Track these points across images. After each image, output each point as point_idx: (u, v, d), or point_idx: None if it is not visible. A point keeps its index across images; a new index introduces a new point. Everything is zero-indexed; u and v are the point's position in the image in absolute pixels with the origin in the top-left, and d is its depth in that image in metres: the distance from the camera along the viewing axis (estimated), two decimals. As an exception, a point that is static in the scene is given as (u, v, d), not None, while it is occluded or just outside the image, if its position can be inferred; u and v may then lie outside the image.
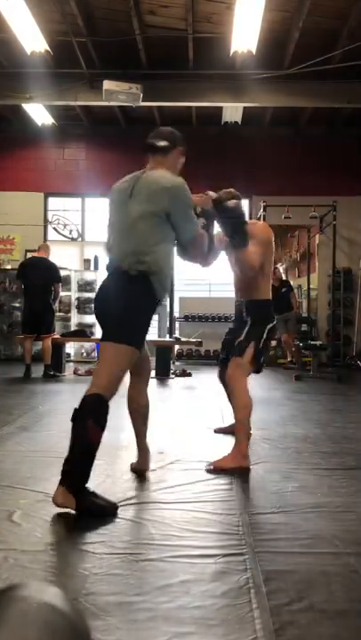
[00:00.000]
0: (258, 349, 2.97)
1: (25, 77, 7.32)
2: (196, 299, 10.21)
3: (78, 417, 2.26)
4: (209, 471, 2.78)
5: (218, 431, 3.74)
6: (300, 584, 1.64)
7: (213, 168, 9.33)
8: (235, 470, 2.75)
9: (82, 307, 9.58)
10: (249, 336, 3.00)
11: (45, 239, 9.50)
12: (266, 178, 9.39)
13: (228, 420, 4.27)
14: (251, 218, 9.68)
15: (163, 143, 2.73)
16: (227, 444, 3.39)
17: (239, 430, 2.94)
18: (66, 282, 8.96)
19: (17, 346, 8.72)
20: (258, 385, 6.68)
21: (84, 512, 2.15)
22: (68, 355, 9.16)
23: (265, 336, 3.01)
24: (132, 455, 3.09)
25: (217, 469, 2.78)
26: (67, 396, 5.70)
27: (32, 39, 6.13)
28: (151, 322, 2.52)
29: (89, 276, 9.73)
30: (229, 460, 2.84)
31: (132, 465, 2.82)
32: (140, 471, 2.75)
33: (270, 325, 3.07)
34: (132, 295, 2.34)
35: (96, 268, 9.64)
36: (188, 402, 5.50)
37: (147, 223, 2.39)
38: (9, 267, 9.53)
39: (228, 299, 10.12)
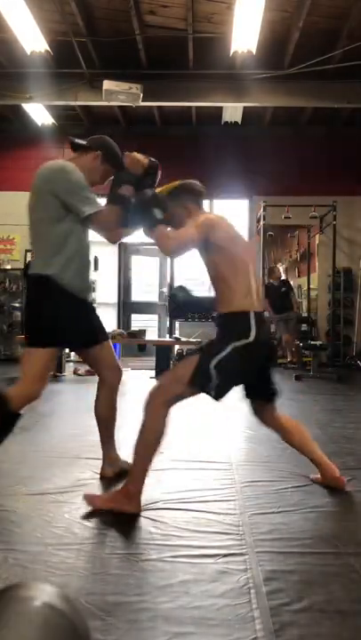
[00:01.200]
0: (202, 367, 2.23)
1: (25, 77, 7.32)
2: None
3: None
4: (85, 499, 2.30)
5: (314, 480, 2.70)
6: (300, 584, 1.64)
7: (213, 168, 9.34)
8: (112, 510, 2.21)
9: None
10: (204, 346, 2.38)
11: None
12: (266, 178, 9.39)
13: (228, 419, 4.28)
14: (251, 218, 9.69)
15: (80, 142, 2.67)
16: (227, 444, 3.40)
17: (135, 464, 2.25)
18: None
19: (17, 346, 8.72)
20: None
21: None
22: (68, 355, 9.16)
23: (224, 355, 2.23)
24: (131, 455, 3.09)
25: (91, 504, 2.27)
26: (67, 396, 5.71)
27: (32, 39, 6.13)
28: (75, 322, 2.50)
29: (89, 276, 9.73)
30: (110, 500, 2.27)
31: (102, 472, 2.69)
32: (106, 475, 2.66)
33: (236, 344, 2.25)
34: (32, 298, 2.50)
35: (96, 268, 9.63)
36: (188, 402, 5.50)
37: (42, 222, 2.44)
38: (9, 267, 9.54)
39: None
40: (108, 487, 2.52)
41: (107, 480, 2.64)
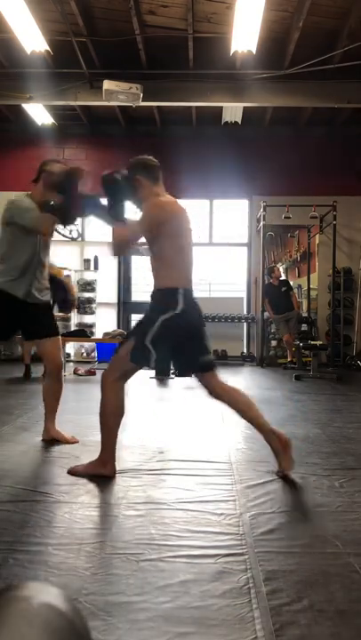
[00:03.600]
0: (139, 345, 2.57)
1: (25, 77, 7.32)
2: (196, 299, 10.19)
3: None
4: (68, 472, 2.72)
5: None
6: (300, 584, 1.64)
7: (213, 168, 9.35)
8: (93, 475, 2.64)
9: (82, 307, 9.59)
10: (134, 328, 2.71)
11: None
12: (266, 178, 9.39)
13: (228, 419, 4.28)
14: (251, 218, 9.69)
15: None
16: (227, 444, 3.40)
17: (102, 436, 2.69)
18: (66, 282, 8.97)
19: (17, 346, 8.73)
20: (258, 385, 6.68)
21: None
22: (69, 355, 9.16)
23: (155, 329, 2.56)
24: (131, 455, 3.09)
25: (73, 473, 2.70)
26: (67, 396, 5.70)
27: (32, 39, 6.13)
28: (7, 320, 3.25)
29: (89, 276, 9.74)
30: (89, 467, 2.70)
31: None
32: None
33: (165, 317, 2.58)
34: None
35: (96, 268, 9.65)
36: (188, 402, 5.49)
37: None
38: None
39: (229, 298, 10.17)
40: (107, 487, 2.52)
41: (106, 479, 2.64)
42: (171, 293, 2.64)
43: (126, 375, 2.69)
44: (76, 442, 3.39)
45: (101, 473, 2.64)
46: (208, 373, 2.76)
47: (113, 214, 2.82)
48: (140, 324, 2.67)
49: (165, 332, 2.57)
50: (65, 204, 3.11)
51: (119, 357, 2.65)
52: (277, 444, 2.71)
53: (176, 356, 2.72)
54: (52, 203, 3.14)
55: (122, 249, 2.90)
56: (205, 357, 2.74)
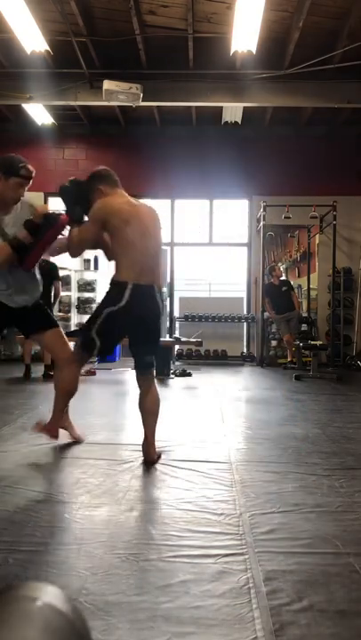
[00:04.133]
0: (87, 337, 2.88)
1: (25, 77, 7.31)
2: (196, 299, 10.21)
3: None
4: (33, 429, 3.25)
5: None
6: (300, 584, 1.64)
7: (213, 168, 9.35)
8: (43, 434, 3.19)
9: (82, 307, 9.58)
10: (87, 319, 2.99)
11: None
12: (266, 178, 9.39)
13: (228, 419, 4.28)
14: (251, 218, 9.69)
15: None
16: (227, 444, 3.40)
17: (54, 408, 3.21)
18: (66, 282, 8.96)
19: (17, 346, 8.72)
20: (258, 385, 6.68)
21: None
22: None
23: (100, 320, 2.82)
24: (131, 456, 3.09)
25: (36, 430, 3.22)
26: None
27: (32, 39, 6.13)
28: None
29: (89, 275, 9.74)
30: (44, 426, 3.20)
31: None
32: None
33: (111, 309, 2.81)
34: None
35: (96, 268, 9.65)
36: (188, 402, 5.49)
37: None
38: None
39: (229, 298, 10.18)
40: (108, 488, 2.52)
41: (107, 480, 2.64)
42: (118, 287, 2.81)
43: (83, 361, 3.09)
44: (83, 440, 3.41)
45: (47, 433, 3.17)
46: (144, 372, 3.01)
47: (70, 216, 3.00)
48: (92, 315, 2.94)
49: (109, 324, 2.81)
50: (29, 247, 2.98)
51: (76, 347, 3.02)
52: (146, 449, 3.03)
53: (123, 339, 3.04)
54: (19, 236, 2.98)
55: (75, 249, 3.03)
56: (145, 358, 2.98)
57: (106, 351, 2.98)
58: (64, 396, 3.18)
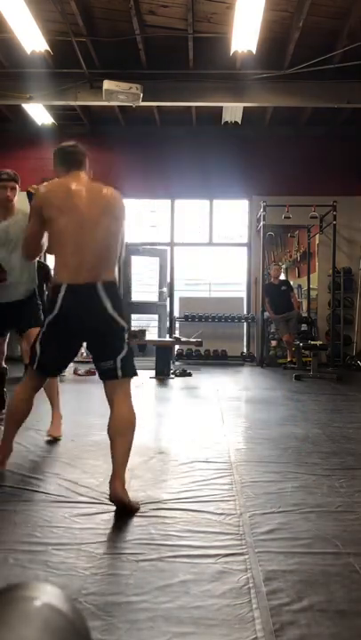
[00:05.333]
0: (33, 349, 2.51)
1: (25, 77, 7.31)
2: (196, 299, 10.21)
3: None
4: None
5: None
6: (300, 584, 1.64)
7: (213, 168, 9.34)
8: None
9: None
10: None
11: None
12: (266, 178, 9.38)
13: (228, 419, 4.28)
14: (251, 218, 9.69)
15: None
16: (227, 444, 3.40)
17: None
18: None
19: (17, 346, 8.71)
20: (258, 385, 6.69)
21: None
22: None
23: (42, 330, 2.48)
24: (132, 457, 3.09)
25: None
26: (67, 397, 5.70)
27: (32, 39, 6.12)
28: None
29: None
30: None
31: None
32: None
33: (48, 318, 2.43)
34: None
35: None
36: (188, 402, 5.50)
37: None
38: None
39: (229, 298, 10.17)
40: (108, 488, 2.52)
41: (107, 480, 2.64)
42: (53, 291, 2.40)
43: (29, 375, 2.62)
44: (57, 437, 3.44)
45: None
46: (108, 381, 2.42)
47: None
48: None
49: (49, 334, 2.45)
50: None
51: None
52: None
53: (64, 353, 2.56)
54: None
55: (24, 250, 2.70)
56: (101, 364, 2.41)
57: (48, 365, 2.53)
58: (6, 419, 2.72)
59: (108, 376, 2.40)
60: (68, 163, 2.59)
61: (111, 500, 2.24)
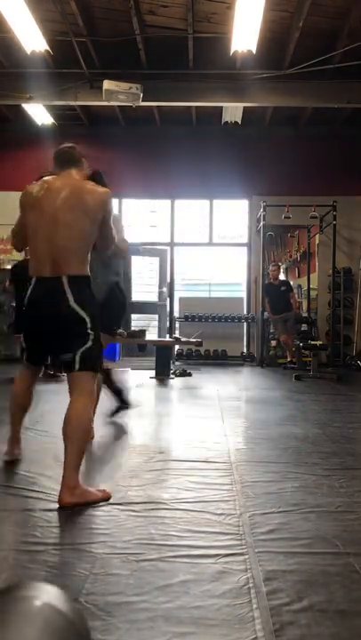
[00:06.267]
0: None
1: (25, 77, 7.32)
2: (196, 299, 10.21)
3: None
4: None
5: None
6: (300, 584, 1.64)
7: (213, 168, 9.34)
8: None
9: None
10: None
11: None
12: (266, 178, 9.39)
13: (228, 419, 4.28)
14: (251, 218, 9.69)
15: None
16: (227, 444, 3.40)
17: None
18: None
19: (17, 346, 8.72)
20: (258, 385, 6.69)
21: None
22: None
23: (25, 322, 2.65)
24: (132, 457, 3.09)
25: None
26: (67, 396, 5.70)
27: (32, 39, 6.13)
28: None
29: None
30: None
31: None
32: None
33: (25, 312, 2.59)
34: None
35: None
36: (188, 402, 5.50)
37: None
38: (9, 267, 9.53)
39: (229, 299, 10.17)
40: (108, 488, 2.52)
41: (107, 480, 2.64)
42: (27, 286, 2.55)
43: (22, 366, 2.81)
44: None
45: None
46: (68, 375, 2.46)
47: None
48: None
49: (26, 325, 2.61)
50: None
51: None
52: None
53: (37, 342, 2.62)
54: None
55: (12, 242, 2.87)
56: (64, 356, 2.44)
57: (32, 356, 2.68)
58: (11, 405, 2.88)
59: (66, 369, 2.46)
60: (59, 162, 2.70)
61: (59, 505, 2.25)
